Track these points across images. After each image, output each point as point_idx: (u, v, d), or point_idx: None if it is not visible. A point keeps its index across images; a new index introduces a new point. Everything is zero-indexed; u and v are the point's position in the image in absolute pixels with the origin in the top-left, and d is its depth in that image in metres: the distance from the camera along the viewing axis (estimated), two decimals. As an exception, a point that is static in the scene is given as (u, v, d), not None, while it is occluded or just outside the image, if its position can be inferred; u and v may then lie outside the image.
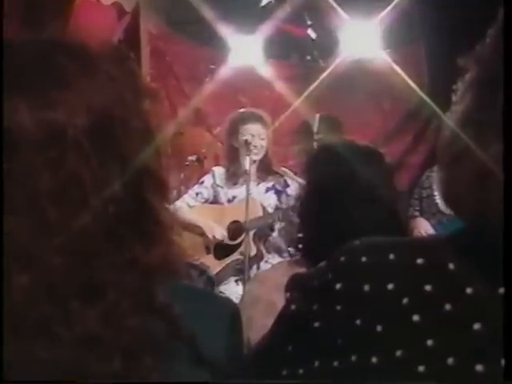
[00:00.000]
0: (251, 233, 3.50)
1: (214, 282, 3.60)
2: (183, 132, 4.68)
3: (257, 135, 3.68)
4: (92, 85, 0.68)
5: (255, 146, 3.63)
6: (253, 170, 3.66)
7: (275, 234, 3.70)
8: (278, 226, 3.69)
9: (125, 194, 0.66)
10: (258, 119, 3.73)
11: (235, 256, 3.64)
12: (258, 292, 1.59)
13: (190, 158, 4.63)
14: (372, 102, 5.40)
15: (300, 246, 1.58)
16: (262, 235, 3.66)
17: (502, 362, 0.64)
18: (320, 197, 1.53)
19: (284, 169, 3.80)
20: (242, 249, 3.60)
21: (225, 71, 4.94)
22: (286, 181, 3.71)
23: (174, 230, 0.73)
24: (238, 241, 3.67)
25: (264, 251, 3.62)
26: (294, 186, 3.59)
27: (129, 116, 0.69)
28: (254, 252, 3.53)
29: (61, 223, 0.62)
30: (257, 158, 3.65)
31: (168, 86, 5.21)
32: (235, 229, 3.68)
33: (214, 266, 3.68)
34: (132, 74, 0.73)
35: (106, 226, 0.64)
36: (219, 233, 3.66)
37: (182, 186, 4.24)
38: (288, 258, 3.62)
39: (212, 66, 5.13)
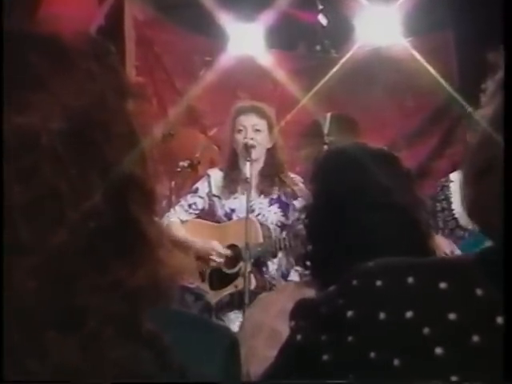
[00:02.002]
0: (248, 261, 3.42)
1: (211, 308, 3.58)
2: (174, 134, 4.69)
3: (249, 126, 3.60)
4: (68, 84, 0.69)
5: (248, 142, 3.54)
6: (254, 176, 3.62)
7: (275, 266, 3.64)
8: (281, 253, 3.63)
9: (107, 208, 0.67)
10: (253, 109, 3.67)
11: (231, 288, 3.62)
12: (260, 319, 1.60)
13: (181, 163, 4.64)
14: (392, 99, 5.43)
15: (308, 262, 1.60)
16: (262, 264, 3.61)
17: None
18: (330, 208, 1.54)
19: (294, 176, 3.73)
20: (237, 281, 3.56)
21: (222, 64, 4.97)
22: (294, 191, 3.65)
23: (164, 247, 0.74)
24: (236, 269, 3.64)
25: (266, 282, 3.56)
26: (304, 197, 3.52)
27: (111, 119, 0.70)
28: (253, 284, 3.46)
29: (34, 241, 0.63)
30: (254, 156, 3.56)
31: (156, 81, 5.24)
32: (232, 255, 3.66)
33: (212, 292, 3.66)
34: (114, 71, 0.74)
35: (85, 244, 0.65)
36: (220, 251, 3.61)
37: (173, 196, 4.26)
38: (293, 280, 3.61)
39: (207, 58, 5.16)
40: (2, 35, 0.68)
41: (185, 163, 4.65)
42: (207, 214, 3.86)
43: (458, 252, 3.92)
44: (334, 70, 5.04)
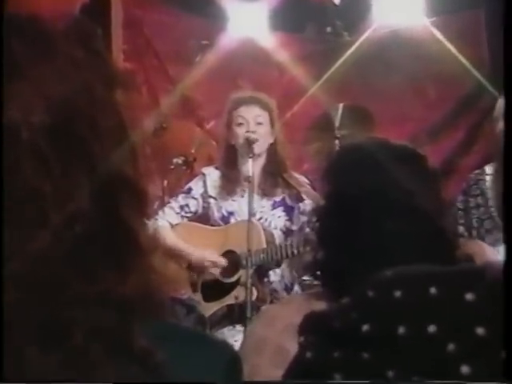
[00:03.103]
0: (251, 269, 3.42)
1: (205, 322, 3.58)
2: (167, 127, 4.70)
3: (251, 118, 3.63)
4: (49, 72, 0.69)
5: (250, 136, 3.56)
6: (256, 176, 3.63)
7: (277, 277, 3.64)
8: (284, 263, 3.62)
9: (94, 210, 0.68)
10: (254, 100, 3.70)
11: (229, 300, 3.62)
12: (264, 334, 1.60)
13: (175, 160, 4.65)
14: (412, 88, 5.42)
15: (318, 272, 1.60)
16: (264, 273, 3.60)
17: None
18: (343, 211, 1.55)
19: (299, 176, 3.73)
20: (236, 291, 3.55)
21: (221, 48, 4.97)
22: (299, 193, 3.65)
23: (157, 253, 0.74)
24: (234, 279, 3.64)
25: (267, 294, 3.55)
26: (310, 199, 3.51)
27: (98, 111, 0.71)
28: (254, 296, 3.45)
29: (14, 247, 0.64)
30: (257, 151, 3.59)
31: (147, 68, 5.24)
32: (230, 262, 3.67)
33: (205, 304, 3.66)
34: (100, 57, 0.75)
35: (71, 251, 0.66)
36: (215, 261, 3.62)
37: (166, 197, 4.26)
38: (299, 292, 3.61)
39: (204, 42, 5.16)
40: None
41: (179, 160, 4.66)
42: (201, 218, 3.85)
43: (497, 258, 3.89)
44: (347, 54, 5.05)
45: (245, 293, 3.38)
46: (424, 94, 5.47)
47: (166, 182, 4.55)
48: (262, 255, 3.50)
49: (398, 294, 0.74)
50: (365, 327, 0.75)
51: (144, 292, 0.70)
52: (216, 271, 3.65)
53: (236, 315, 3.54)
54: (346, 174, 1.59)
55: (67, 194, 0.67)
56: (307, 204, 3.61)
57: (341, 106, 4.47)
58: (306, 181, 3.70)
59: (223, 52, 4.99)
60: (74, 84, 0.71)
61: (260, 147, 3.63)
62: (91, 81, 0.72)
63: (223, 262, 3.64)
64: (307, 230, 3.49)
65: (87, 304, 0.65)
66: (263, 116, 3.67)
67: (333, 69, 4.99)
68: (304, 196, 3.63)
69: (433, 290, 0.73)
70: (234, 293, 3.58)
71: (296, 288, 3.71)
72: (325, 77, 4.97)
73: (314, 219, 1.62)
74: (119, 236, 0.71)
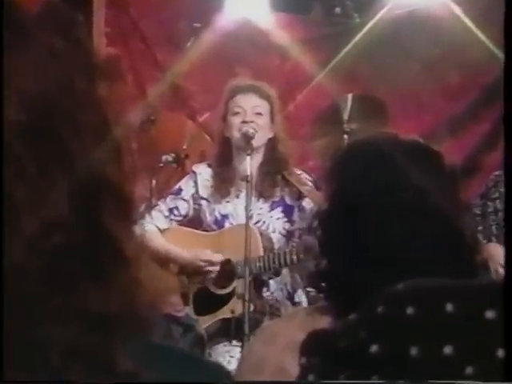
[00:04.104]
0: (247, 279, 3.41)
1: (204, 341, 3.57)
2: (155, 120, 4.70)
3: (249, 107, 3.64)
4: (25, 64, 0.70)
5: (249, 130, 3.55)
6: (253, 175, 3.61)
7: (278, 285, 3.63)
8: (285, 269, 3.63)
9: (74, 218, 0.68)
10: (252, 88, 3.71)
11: (223, 314, 3.62)
12: (264, 353, 1.61)
13: (164, 157, 4.65)
14: (431, 76, 5.43)
15: (322, 283, 1.61)
16: (262, 283, 3.60)
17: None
18: (349, 214, 1.55)
19: (300, 173, 3.71)
20: (232, 304, 3.54)
21: (216, 32, 4.98)
22: (300, 192, 3.65)
23: (145, 266, 0.75)
24: (228, 290, 3.63)
25: (266, 306, 3.55)
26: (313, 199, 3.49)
27: (78, 107, 0.72)
28: (251, 307, 3.44)
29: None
30: (255, 144, 3.59)
31: (133, 53, 5.24)
32: (224, 271, 3.68)
33: (197, 319, 3.66)
34: (81, 47, 0.76)
35: (46, 263, 0.66)
36: (213, 260, 3.61)
37: (154, 198, 4.26)
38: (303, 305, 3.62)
39: (197, 25, 5.17)
40: None
41: (169, 157, 4.66)
42: (192, 222, 3.85)
43: None
44: (358, 38, 5.05)
45: (241, 306, 3.38)
46: (444, 82, 5.47)
47: (154, 182, 4.54)
48: (258, 264, 3.50)
49: (410, 310, 0.75)
50: (373, 348, 0.76)
51: (129, 308, 0.70)
52: (212, 273, 3.64)
53: (232, 330, 3.54)
54: (351, 174, 1.60)
55: (44, 200, 0.67)
56: (309, 203, 3.60)
57: (350, 96, 4.48)
58: (308, 178, 3.69)
59: (218, 35, 4.99)
60: (51, 78, 0.71)
61: (257, 141, 3.62)
62: (71, 74, 0.73)
63: (220, 257, 3.63)
64: (309, 235, 3.49)
65: (64, 323, 0.66)
66: (262, 106, 3.66)
67: (341, 54, 4.99)
68: (306, 195, 3.61)
69: (449, 307, 0.74)
70: (229, 306, 3.58)
71: (301, 296, 3.71)
72: (332, 63, 4.97)
73: (316, 223, 1.62)
74: (101, 246, 0.71)
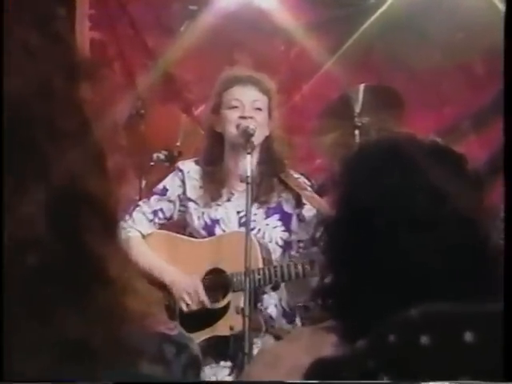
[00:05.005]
0: (247, 293, 3.29)
1: (199, 362, 3.54)
2: (145, 113, 4.70)
3: (248, 101, 3.60)
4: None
5: (249, 126, 3.48)
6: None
7: (273, 301, 3.62)
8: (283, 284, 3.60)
9: (52, 237, 0.68)
10: (251, 80, 3.66)
11: (218, 330, 3.57)
12: (266, 378, 1.61)
13: (156, 154, 4.64)
14: (453, 64, 5.42)
15: (328, 299, 1.60)
16: (258, 297, 3.56)
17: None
18: (360, 223, 1.55)
19: (299, 176, 3.67)
20: (229, 319, 3.51)
21: (213, 15, 4.98)
22: (299, 197, 3.59)
23: (130, 288, 0.75)
24: (222, 304, 3.60)
25: (262, 322, 3.52)
26: (315, 206, 3.45)
27: (57, 110, 0.72)
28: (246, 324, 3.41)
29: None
30: (254, 141, 3.51)
31: (120, 38, 5.24)
32: (217, 284, 3.63)
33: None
34: (61, 43, 0.76)
35: (22, 287, 0.66)
36: (196, 295, 3.57)
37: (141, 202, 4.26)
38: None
39: (192, 7, 5.17)
40: None
41: (160, 155, 4.65)
42: (175, 225, 3.81)
43: None
44: (371, 21, 5.04)
45: (241, 321, 3.36)
46: (468, 71, 5.46)
47: (144, 183, 4.53)
48: (258, 276, 3.49)
49: (424, 339, 0.75)
50: (384, 378, 0.76)
51: (112, 339, 0.70)
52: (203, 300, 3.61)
53: (230, 349, 3.52)
54: (362, 178, 1.60)
55: (19, 216, 0.67)
56: (309, 210, 3.58)
57: (362, 86, 4.47)
58: (307, 182, 3.67)
59: (216, 18, 4.99)
60: (29, 78, 0.71)
61: (256, 139, 3.59)
62: (50, 73, 0.73)
63: (205, 297, 3.59)
64: (313, 246, 3.47)
65: (41, 353, 0.66)
66: (262, 101, 3.63)
67: (353, 39, 4.99)
68: (305, 201, 3.59)
69: (468, 336, 0.74)
70: (226, 321, 3.57)
71: (295, 313, 3.70)
72: (342, 50, 4.97)
73: (321, 233, 1.62)
74: (82, 265, 0.71)
